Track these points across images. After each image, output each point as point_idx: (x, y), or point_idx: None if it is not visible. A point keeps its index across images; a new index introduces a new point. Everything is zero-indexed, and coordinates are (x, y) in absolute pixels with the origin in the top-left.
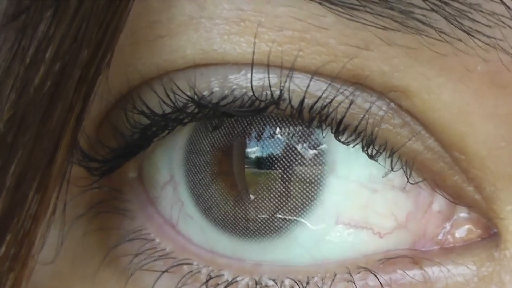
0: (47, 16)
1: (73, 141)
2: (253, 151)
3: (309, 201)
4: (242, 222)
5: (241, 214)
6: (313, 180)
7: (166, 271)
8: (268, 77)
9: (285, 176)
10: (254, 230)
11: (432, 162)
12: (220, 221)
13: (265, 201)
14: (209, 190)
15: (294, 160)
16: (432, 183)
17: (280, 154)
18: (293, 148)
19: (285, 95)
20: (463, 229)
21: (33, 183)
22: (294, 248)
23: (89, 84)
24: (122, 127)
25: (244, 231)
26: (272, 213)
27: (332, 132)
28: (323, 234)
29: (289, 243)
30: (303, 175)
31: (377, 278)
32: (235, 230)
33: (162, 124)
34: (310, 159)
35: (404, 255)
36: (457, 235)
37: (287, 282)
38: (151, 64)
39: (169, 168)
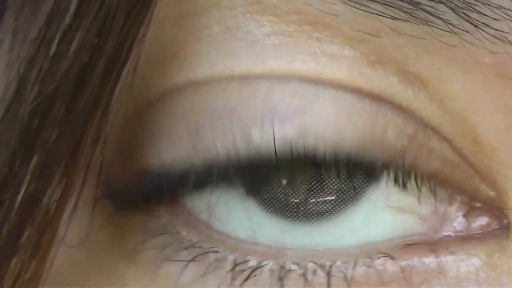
0: (73, 8)
1: (99, 132)
2: None
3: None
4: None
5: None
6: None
7: (192, 260)
8: None
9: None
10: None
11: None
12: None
13: (299, 188)
14: None
15: None
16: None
17: None
18: None
19: None
20: (477, 220)
21: (56, 173)
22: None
23: (115, 76)
24: None
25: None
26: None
27: None
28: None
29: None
30: None
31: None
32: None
33: None
34: None
35: (421, 242)
36: (470, 226)
37: (310, 265)
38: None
39: None
